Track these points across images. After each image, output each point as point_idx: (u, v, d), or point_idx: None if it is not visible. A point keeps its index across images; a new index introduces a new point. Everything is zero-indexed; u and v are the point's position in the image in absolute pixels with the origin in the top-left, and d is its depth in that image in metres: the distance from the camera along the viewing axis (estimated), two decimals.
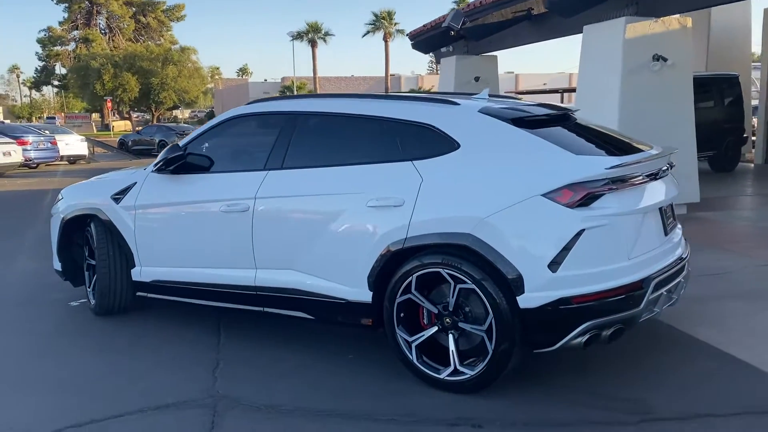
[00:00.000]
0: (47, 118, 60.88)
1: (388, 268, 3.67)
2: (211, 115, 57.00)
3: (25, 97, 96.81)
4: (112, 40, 58.97)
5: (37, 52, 61.30)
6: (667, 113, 8.42)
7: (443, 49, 15.05)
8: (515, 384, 3.60)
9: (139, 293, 4.92)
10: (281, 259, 4.08)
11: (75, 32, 59.01)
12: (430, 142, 3.70)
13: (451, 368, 3.54)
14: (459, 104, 3.83)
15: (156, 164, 4.60)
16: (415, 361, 3.65)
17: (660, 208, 3.69)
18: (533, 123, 3.69)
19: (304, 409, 3.45)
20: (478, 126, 3.66)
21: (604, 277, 3.27)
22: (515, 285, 3.28)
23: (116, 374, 3.99)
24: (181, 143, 4.64)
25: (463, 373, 3.51)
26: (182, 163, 4.51)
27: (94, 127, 50.02)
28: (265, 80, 67.46)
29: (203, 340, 4.50)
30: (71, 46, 58.90)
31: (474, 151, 3.58)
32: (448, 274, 3.47)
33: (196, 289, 4.51)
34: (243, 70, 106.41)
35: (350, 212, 3.79)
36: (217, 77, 61.39)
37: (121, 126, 53.74)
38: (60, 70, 59.81)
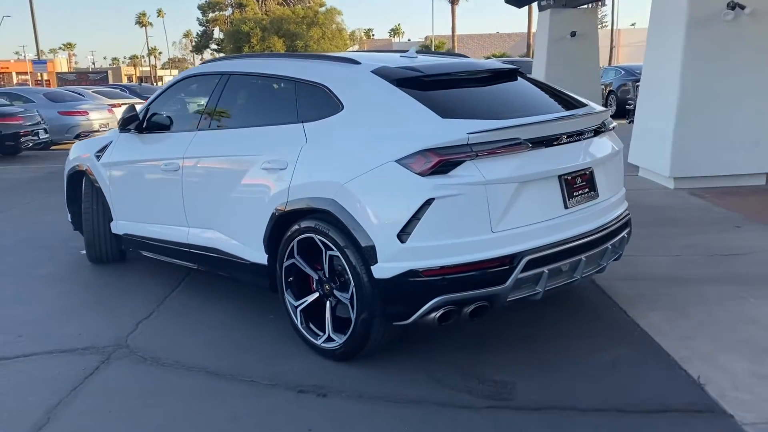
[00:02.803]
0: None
1: (277, 232, 3.65)
2: None
3: (200, 61, 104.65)
4: (264, 5, 61.72)
5: (198, 18, 65.80)
6: (743, 71, 7.39)
7: (543, 2, 14.19)
8: (393, 356, 3.49)
9: (122, 247, 5.28)
10: (203, 218, 4.20)
11: None
12: (320, 104, 3.59)
13: (326, 335, 3.49)
14: (359, 64, 3.65)
15: (118, 124, 4.87)
16: (299, 325, 3.63)
17: (561, 176, 3.31)
18: (426, 83, 3.44)
19: (181, 364, 3.57)
20: (363, 87, 3.49)
21: (458, 251, 3.02)
22: (369, 254, 3.14)
23: (59, 317, 4.34)
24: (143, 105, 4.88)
25: (334, 341, 3.44)
26: (139, 123, 4.74)
27: None
28: (409, 40, 67.62)
29: (157, 292, 4.73)
30: (228, 11, 62.48)
31: (353, 114, 3.43)
32: (319, 240, 3.39)
33: (151, 244, 4.77)
34: (395, 31, 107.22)
35: (250, 174, 3.79)
36: (363, 39, 62.36)
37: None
38: (218, 34, 63.81)
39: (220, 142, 4.06)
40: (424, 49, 58.48)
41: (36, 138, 13.52)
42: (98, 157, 5.13)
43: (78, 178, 5.53)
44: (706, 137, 7.39)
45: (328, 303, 3.49)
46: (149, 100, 4.92)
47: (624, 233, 3.76)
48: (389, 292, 3.14)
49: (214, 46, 62.26)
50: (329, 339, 3.47)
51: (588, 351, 3.51)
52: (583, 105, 3.74)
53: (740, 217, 6.14)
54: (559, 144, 3.30)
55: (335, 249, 3.29)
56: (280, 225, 3.61)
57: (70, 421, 3.04)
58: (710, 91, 7.37)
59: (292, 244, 3.55)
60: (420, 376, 3.30)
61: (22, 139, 13.23)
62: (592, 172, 3.51)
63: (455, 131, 3.03)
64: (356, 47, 62.51)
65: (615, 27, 51.65)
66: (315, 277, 3.54)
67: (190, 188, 4.23)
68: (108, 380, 3.43)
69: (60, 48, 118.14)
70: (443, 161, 2.99)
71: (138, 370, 3.53)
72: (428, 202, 2.98)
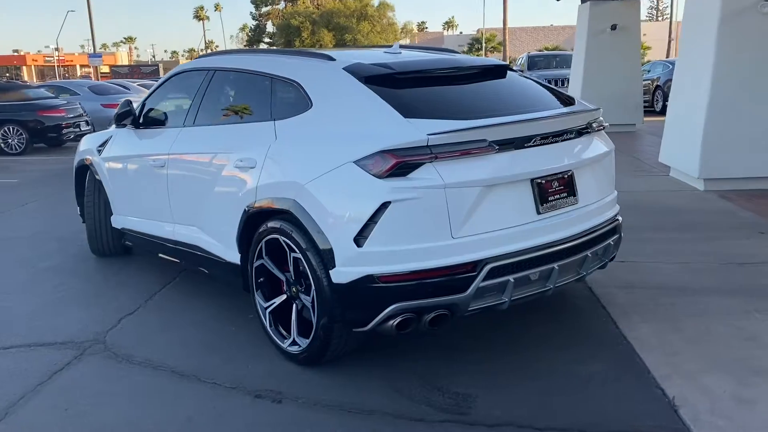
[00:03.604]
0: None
1: (248, 231, 3.58)
2: None
3: None
4: None
5: (251, 12, 66.77)
6: None
7: None
8: (360, 362, 3.39)
9: (123, 241, 5.32)
10: (186, 215, 4.17)
11: None
12: (292, 101, 3.51)
13: (291, 339, 3.41)
14: (333, 60, 3.54)
15: (113, 118, 4.90)
16: (267, 327, 3.56)
17: (534, 180, 3.13)
18: (398, 81, 3.30)
19: (150, 362, 3.54)
20: (332, 84, 3.38)
21: (416, 256, 2.89)
22: (328, 258, 3.03)
23: (49, 310, 4.39)
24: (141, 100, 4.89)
25: (298, 345, 3.36)
26: (134, 118, 4.75)
27: None
28: (461, 33, 66.82)
29: (149, 287, 4.74)
30: (281, 5, 63.07)
31: (321, 112, 3.32)
32: (283, 241, 3.30)
33: (144, 239, 4.78)
34: (449, 23, 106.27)
35: (224, 172, 3.74)
36: (414, 32, 61.94)
37: None
38: (271, 28, 64.50)
39: (200, 138, 4.03)
40: (473, 42, 57.31)
41: (78, 130, 13.89)
42: (99, 151, 5.18)
43: (85, 171, 5.60)
44: (738, 137, 6.99)
45: (294, 306, 3.41)
46: (146, 95, 4.94)
47: (610, 240, 3.55)
48: (347, 298, 3.03)
49: (267, 40, 62.98)
50: (294, 343, 3.39)
51: (564, 364, 3.32)
52: (571, 104, 3.54)
53: (767, 223, 5.77)
54: (532, 146, 3.11)
55: (298, 251, 3.20)
56: (250, 224, 3.54)
57: (25, 417, 3.05)
58: (743, 87, 6.96)
59: (261, 244, 3.48)
60: (382, 384, 3.18)
61: (64, 131, 13.63)
62: (571, 176, 3.30)
63: (415, 132, 2.90)
64: (407, 40, 62.19)
65: (673, 18, 49.94)
66: (282, 278, 3.47)
67: (174, 184, 4.21)
68: (75, 377, 3.43)
69: (121, 41, 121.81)
70: (401, 163, 2.86)
71: (106, 367, 3.53)
72: (384, 205, 2.86)
